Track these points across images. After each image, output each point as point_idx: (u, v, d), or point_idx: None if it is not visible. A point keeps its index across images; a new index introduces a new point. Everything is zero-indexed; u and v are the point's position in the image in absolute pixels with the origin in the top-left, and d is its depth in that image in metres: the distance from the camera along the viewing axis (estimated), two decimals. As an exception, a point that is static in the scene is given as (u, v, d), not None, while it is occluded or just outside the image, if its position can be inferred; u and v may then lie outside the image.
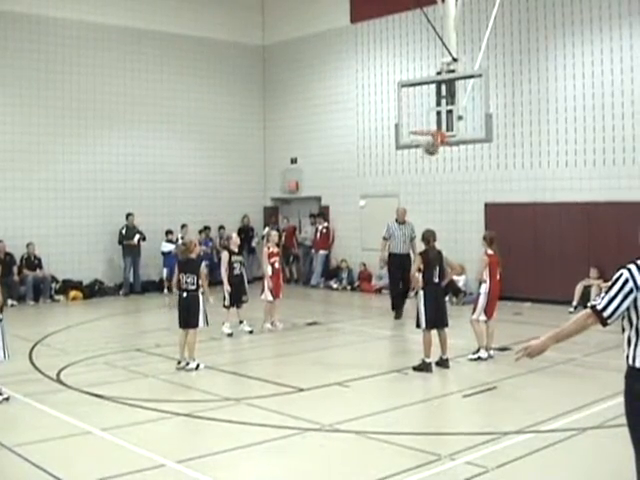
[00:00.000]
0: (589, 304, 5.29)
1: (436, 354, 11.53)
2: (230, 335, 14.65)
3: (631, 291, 5.06)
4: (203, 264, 12.03)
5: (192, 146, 24.31)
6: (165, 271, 21.86)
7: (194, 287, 11.75)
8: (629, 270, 5.07)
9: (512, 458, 7.08)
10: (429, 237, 11.74)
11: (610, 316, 5.18)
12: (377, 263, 18.25)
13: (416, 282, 11.86)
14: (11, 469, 7.38)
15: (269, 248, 15.40)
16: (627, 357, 5.36)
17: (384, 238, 17.05)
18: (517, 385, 10.40)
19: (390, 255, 17.05)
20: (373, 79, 22.62)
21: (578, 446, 7.87)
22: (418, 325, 11.60)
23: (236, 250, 15.25)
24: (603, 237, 17.31)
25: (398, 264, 16.76)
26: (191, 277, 11.78)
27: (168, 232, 22.44)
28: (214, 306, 12.77)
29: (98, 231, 21.95)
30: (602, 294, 5.20)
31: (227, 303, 14.85)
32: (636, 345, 5.26)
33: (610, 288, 5.14)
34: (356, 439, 8.17)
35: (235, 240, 15.40)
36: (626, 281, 5.05)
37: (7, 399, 9.82)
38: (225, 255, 15.08)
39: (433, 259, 11.55)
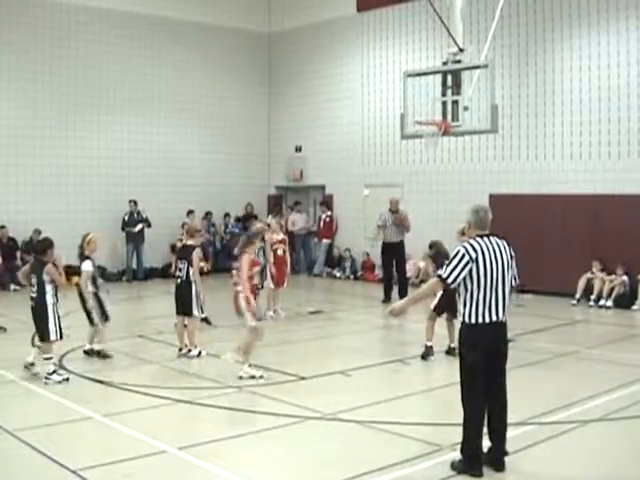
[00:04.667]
0: (437, 273, 6.95)
1: (437, 343, 11.54)
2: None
3: (467, 263, 6.62)
4: (195, 252, 11.70)
5: (196, 133, 24.29)
6: None
7: (185, 275, 11.69)
8: (465, 247, 6.68)
9: (514, 450, 7.07)
10: (437, 245, 12.03)
11: (452, 282, 6.68)
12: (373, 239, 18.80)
13: (424, 273, 12.04)
14: (12, 454, 7.39)
15: (271, 236, 15.40)
16: (463, 315, 6.79)
17: (378, 226, 17.70)
18: (519, 377, 10.36)
19: (383, 244, 17.74)
20: (379, 68, 22.55)
21: (580, 438, 7.87)
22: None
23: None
24: (606, 230, 17.27)
25: (391, 252, 17.52)
26: (183, 264, 11.70)
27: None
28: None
29: (102, 217, 21.92)
30: (445, 265, 6.77)
31: None
32: (471, 306, 6.70)
33: (451, 261, 6.67)
34: (357, 428, 8.17)
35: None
36: (463, 256, 6.64)
37: (67, 379, 10.18)
38: None
39: (443, 257, 11.61)
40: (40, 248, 10.48)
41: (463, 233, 12.47)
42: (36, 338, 10.64)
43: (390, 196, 18.13)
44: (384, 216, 17.55)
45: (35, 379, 10.09)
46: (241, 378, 10.12)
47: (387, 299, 17.05)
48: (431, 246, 12.14)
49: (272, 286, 15.32)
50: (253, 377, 10.14)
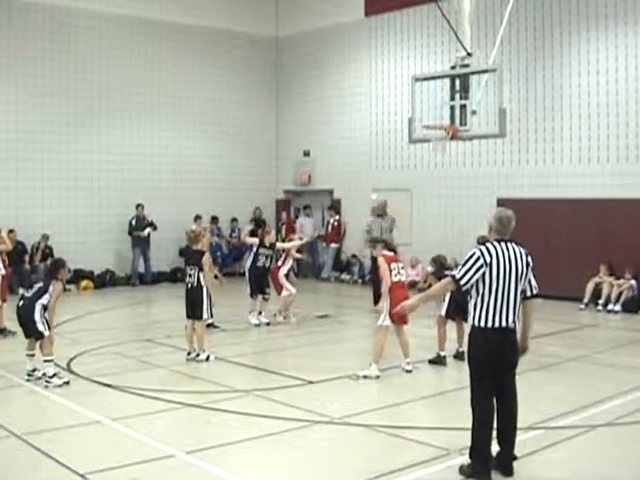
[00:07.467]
0: (450, 274, 6.89)
1: (446, 347, 11.53)
2: (262, 324, 15.04)
3: (481, 266, 6.62)
4: (205, 257, 11.81)
5: (204, 137, 24.31)
6: None
7: (196, 280, 11.75)
8: (480, 250, 6.69)
9: (521, 454, 7.05)
10: (441, 261, 11.89)
11: (465, 284, 6.68)
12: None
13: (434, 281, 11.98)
14: (21, 457, 7.40)
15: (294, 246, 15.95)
16: (472, 318, 6.76)
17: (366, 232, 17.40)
18: (528, 381, 10.34)
19: None
20: (387, 73, 22.56)
21: (589, 443, 7.85)
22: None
23: (268, 245, 15.32)
24: (615, 234, 17.25)
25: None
26: (193, 269, 11.78)
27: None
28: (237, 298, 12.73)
29: (110, 221, 21.99)
30: (459, 267, 6.78)
31: (248, 291, 15.21)
32: (481, 309, 6.68)
33: (466, 262, 6.68)
34: (365, 432, 8.17)
35: (272, 236, 15.56)
36: (478, 258, 6.65)
37: (67, 382, 10.12)
38: (255, 241, 15.45)
39: (447, 270, 11.58)
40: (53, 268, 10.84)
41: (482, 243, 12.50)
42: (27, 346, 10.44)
43: (408, 200, 17.86)
44: (369, 224, 17.34)
45: (41, 383, 10.07)
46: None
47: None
48: (434, 261, 11.99)
49: (294, 291, 15.46)
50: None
